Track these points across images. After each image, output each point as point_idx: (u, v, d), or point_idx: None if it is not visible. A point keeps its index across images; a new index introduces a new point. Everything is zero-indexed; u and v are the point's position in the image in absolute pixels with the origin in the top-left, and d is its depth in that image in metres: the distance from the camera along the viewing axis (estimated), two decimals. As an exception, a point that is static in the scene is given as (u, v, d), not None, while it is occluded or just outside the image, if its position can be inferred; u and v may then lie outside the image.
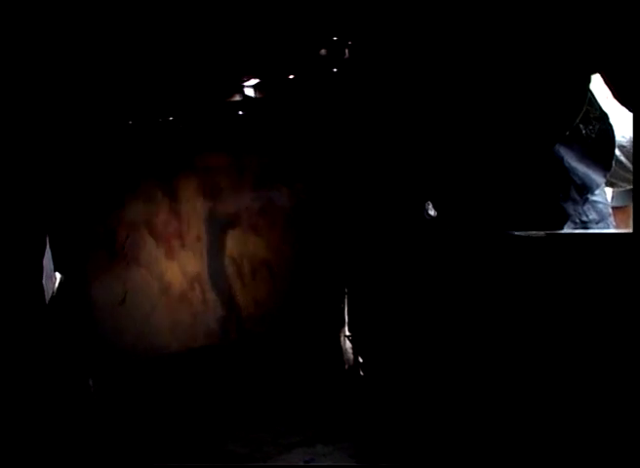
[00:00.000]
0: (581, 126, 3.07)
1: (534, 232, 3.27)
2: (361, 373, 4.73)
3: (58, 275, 4.21)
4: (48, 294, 3.93)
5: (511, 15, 2.94)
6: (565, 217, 3.22)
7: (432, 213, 3.94)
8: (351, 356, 4.83)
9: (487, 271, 3.36)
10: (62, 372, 3.96)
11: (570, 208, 3.18)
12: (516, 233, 3.32)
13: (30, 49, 3.60)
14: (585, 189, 3.12)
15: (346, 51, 4.26)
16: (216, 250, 4.65)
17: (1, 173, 3.63)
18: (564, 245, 3.16)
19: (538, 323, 3.03)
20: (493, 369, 3.35)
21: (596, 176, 3.12)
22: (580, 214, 3.20)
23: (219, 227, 4.65)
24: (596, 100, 3.14)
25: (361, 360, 4.75)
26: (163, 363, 4.47)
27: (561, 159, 3.16)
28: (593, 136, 3.16)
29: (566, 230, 3.29)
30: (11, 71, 3.62)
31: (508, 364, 3.24)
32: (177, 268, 4.57)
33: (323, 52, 4.27)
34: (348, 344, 4.87)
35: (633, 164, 3.14)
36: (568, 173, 3.15)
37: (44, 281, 3.80)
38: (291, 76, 4.52)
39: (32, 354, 3.65)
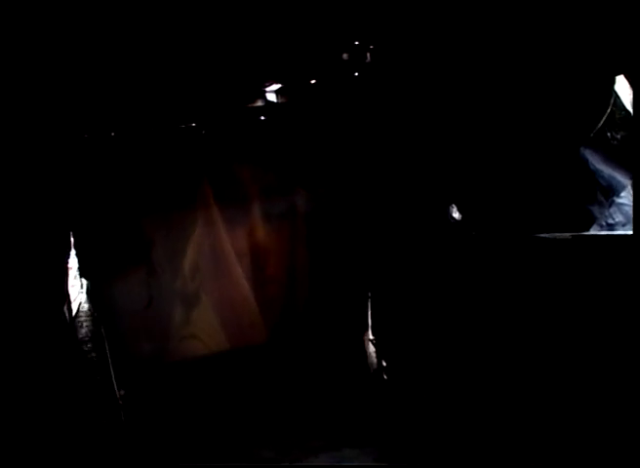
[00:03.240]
0: (606, 128, 3.05)
1: (559, 234, 3.26)
2: (384, 377, 4.72)
3: (84, 281, 4.26)
4: (74, 301, 3.98)
5: (536, 18, 2.92)
6: (591, 220, 3.20)
7: (457, 215, 3.92)
8: (375, 360, 4.82)
9: (514, 273, 3.35)
10: (89, 381, 4.00)
11: (596, 210, 3.16)
12: (542, 235, 3.30)
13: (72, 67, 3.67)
14: (611, 191, 3.10)
15: (368, 55, 4.25)
16: (240, 255, 4.66)
17: (32, 181, 3.68)
18: (590, 246, 3.13)
19: (571, 327, 3.01)
20: (520, 370, 3.33)
21: (622, 178, 3.10)
22: (605, 216, 3.18)
23: (242, 232, 4.66)
24: (621, 102, 3.12)
25: (385, 364, 4.74)
26: (193, 366, 4.49)
27: (586, 161, 3.15)
28: (618, 137, 3.14)
29: (591, 232, 3.26)
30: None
31: (535, 364, 3.22)
32: (202, 272, 4.59)
33: (345, 56, 4.27)
34: (372, 348, 4.86)
35: (632, 167, 3.10)
36: (594, 175, 3.13)
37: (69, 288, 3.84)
38: (313, 81, 4.52)
39: (57, 357, 3.69)
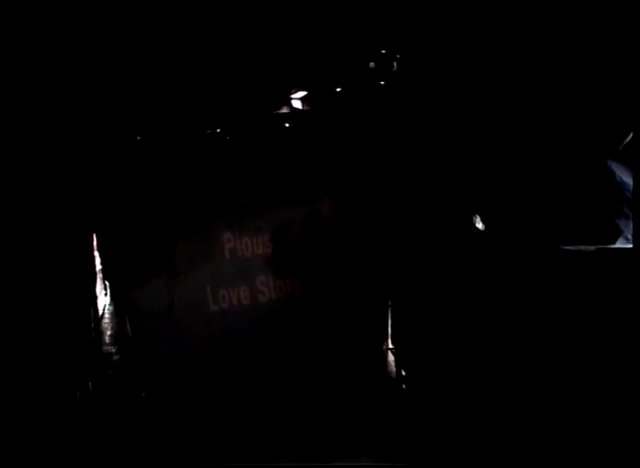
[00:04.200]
0: (634, 142, 3.05)
1: (584, 246, 3.24)
2: (403, 387, 4.70)
3: (107, 283, 4.29)
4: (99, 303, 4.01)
5: (568, 30, 2.93)
6: (617, 233, 3.19)
7: (480, 226, 3.91)
8: (394, 369, 4.81)
9: (538, 285, 3.34)
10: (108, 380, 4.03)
11: (622, 223, 3.15)
12: (567, 247, 3.29)
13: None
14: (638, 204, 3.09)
15: (395, 64, 4.27)
16: (261, 261, 4.66)
17: (59, 184, 3.73)
18: (614, 259, 3.12)
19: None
20: (542, 380, 3.31)
21: None
22: (631, 229, 3.17)
23: (265, 239, 4.67)
24: None
25: (404, 373, 4.73)
26: (213, 370, 4.50)
27: (613, 174, 3.14)
28: None
29: (617, 245, 3.25)
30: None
31: (559, 374, 3.20)
32: (223, 278, 4.60)
33: (371, 64, 4.29)
34: (391, 357, 4.85)
35: (633, 183, 3.09)
36: (620, 188, 3.13)
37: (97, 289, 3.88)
38: (338, 89, 4.54)
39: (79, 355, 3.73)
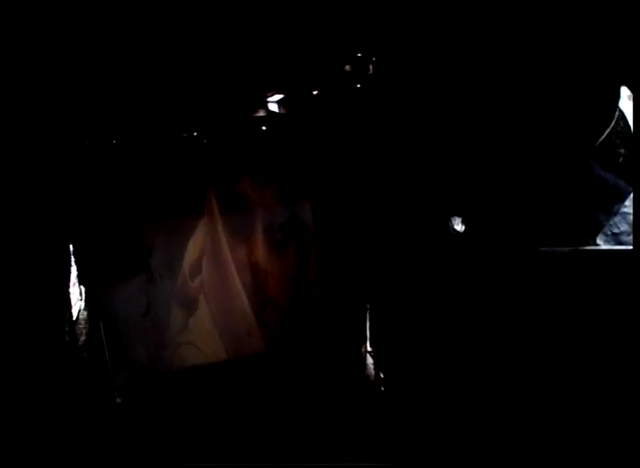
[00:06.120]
0: (612, 137, 3.09)
1: (559, 248, 3.27)
2: (382, 389, 4.71)
3: (83, 288, 4.24)
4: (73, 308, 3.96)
5: (542, 26, 2.96)
6: (598, 227, 3.23)
7: (459, 228, 3.93)
8: (373, 372, 4.81)
9: (515, 288, 3.36)
10: (84, 386, 3.98)
11: (602, 217, 3.20)
12: (543, 249, 3.32)
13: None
14: (617, 198, 3.13)
15: (370, 67, 4.29)
16: (239, 265, 4.65)
17: (32, 186, 3.69)
18: (588, 260, 3.15)
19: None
20: (521, 382, 3.33)
21: (626, 185, 3.13)
22: (611, 225, 3.21)
23: (243, 241, 4.65)
24: (624, 115, 3.15)
25: (382, 375, 4.74)
26: (189, 375, 4.47)
27: (591, 168, 3.18)
28: (621, 149, 3.17)
29: (597, 242, 3.29)
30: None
31: (536, 377, 3.22)
32: (200, 284, 4.58)
33: (347, 68, 4.31)
34: (370, 360, 4.85)
35: (632, 182, 3.14)
36: (599, 182, 3.17)
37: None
38: (315, 92, 4.55)
39: (54, 364, 3.68)
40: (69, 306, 3.99)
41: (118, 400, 4.20)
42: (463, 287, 3.84)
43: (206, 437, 4.30)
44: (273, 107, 4.68)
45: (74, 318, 4.13)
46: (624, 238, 3.23)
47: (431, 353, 4.16)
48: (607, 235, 3.21)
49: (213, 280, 4.60)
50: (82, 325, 4.18)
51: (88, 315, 4.21)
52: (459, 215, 3.93)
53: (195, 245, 4.58)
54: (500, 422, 3.52)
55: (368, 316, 4.82)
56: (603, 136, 3.00)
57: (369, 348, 4.84)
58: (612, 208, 3.13)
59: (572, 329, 3.13)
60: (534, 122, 3.14)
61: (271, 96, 4.62)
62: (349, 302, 4.80)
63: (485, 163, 3.50)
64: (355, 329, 4.83)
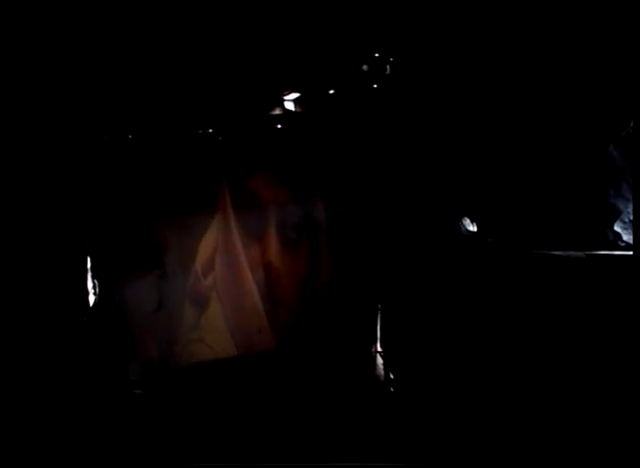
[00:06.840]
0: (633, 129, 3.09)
1: (573, 253, 3.26)
2: (391, 390, 4.70)
3: (97, 282, 4.27)
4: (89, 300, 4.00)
5: (562, 25, 2.95)
6: (615, 214, 3.23)
7: (471, 228, 3.92)
8: (382, 372, 4.81)
9: (527, 292, 3.35)
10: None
11: (620, 204, 3.20)
12: (556, 253, 3.31)
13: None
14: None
15: (388, 67, 4.28)
16: (252, 263, 4.66)
17: (50, 181, 3.72)
18: (601, 266, 3.14)
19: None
20: (532, 384, 3.32)
21: None
22: (628, 212, 3.22)
23: (256, 239, 4.66)
24: None
25: (392, 376, 4.72)
26: (199, 372, 4.48)
27: (612, 158, 3.19)
28: None
29: (615, 228, 3.29)
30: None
31: (548, 380, 3.22)
32: (213, 282, 4.59)
33: (364, 67, 4.30)
34: (380, 360, 4.85)
35: (633, 184, 3.12)
36: (619, 171, 3.18)
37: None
38: (331, 91, 4.55)
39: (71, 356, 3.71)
40: (86, 300, 4.02)
41: (137, 391, 4.24)
42: (474, 289, 3.83)
43: (214, 432, 4.31)
44: (289, 106, 4.68)
45: (90, 311, 4.17)
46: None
47: (442, 354, 4.15)
48: (624, 222, 3.21)
49: (226, 278, 4.61)
50: (96, 318, 4.21)
51: (101, 309, 4.24)
52: (472, 216, 3.93)
53: (208, 242, 4.59)
54: (509, 424, 3.51)
55: (379, 316, 4.81)
56: (629, 128, 3.01)
57: (379, 348, 4.84)
58: (629, 196, 3.14)
59: (575, 329, 3.13)
60: (559, 113, 3.15)
61: (288, 94, 4.62)
62: (360, 302, 4.80)
63: (500, 158, 3.51)
64: (366, 329, 4.83)
